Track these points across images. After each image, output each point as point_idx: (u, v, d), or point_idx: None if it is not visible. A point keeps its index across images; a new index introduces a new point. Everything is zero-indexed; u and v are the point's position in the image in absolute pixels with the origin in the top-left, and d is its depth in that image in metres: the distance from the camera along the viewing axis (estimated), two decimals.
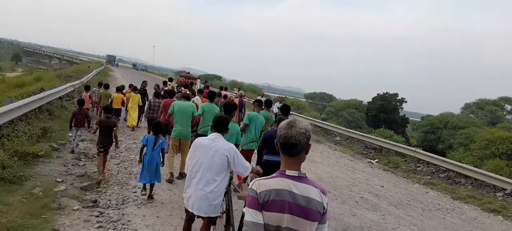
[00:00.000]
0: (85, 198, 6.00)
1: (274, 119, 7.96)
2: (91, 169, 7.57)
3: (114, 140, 7.23)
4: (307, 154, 2.02)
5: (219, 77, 71.41)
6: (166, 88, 13.19)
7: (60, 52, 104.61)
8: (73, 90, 16.05)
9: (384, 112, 46.68)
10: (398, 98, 48.07)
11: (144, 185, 6.31)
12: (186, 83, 18.46)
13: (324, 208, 1.95)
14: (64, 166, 7.50)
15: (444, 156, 16.05)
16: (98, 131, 7.21)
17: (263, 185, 1.93)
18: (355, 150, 15.59)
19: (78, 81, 18.37)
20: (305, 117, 24.03)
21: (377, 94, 49.30)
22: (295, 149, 1.94)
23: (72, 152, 8.45)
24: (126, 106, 12.12)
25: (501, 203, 9.88)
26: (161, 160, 6.34)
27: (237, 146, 5.82)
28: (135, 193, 6.49)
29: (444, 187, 11.09)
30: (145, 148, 6.26)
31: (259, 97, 15.28)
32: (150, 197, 6.24)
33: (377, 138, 16.70)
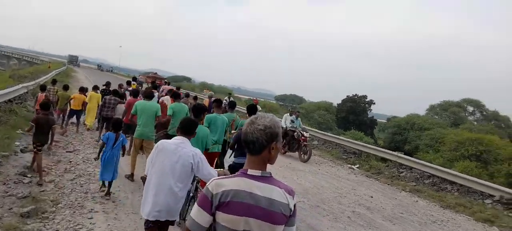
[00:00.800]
0: (25, 229, 4.69)
1: (241, 122, 7.42)
2: (39, 187, 6.21)
3: (50, 138, 6.99)
4: (271, 153, 1.81)
5: (188, 79, 69.54)
6: (129, 88, 12.06)
7: (20, 53, 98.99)
8: (26, 92, 14.25)
9: (353, 114, 46.86)
10: (367, 100, 48.39)
11: (103, 182, 6.30)
12: (154, 83, 17.21)
13: (290, 209, 1.80)
14: (4, 184, 6.09)
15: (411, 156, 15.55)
16: (34, 129, 6.56)
17: (220, 185, 1.77)
18: (334, 154, 14.76)
19: (32, 82, 16.42)
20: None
21: (347, 96, 49.53)
22: (254, 146, 1.79)
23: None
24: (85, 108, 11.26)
25: (492, 212, 9.25)
26: (122, 153, 6.44)
27: (206, 150, 5.59)
28: (90, 219, 5.22)
29: (430, 194, 10.39)
30: (105, 145, 6.17)
31: (226, 98, 14.91)
32: (108, 193, 6.17)
33: (358, 142, 15.99)
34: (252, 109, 6.63)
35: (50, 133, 6.80)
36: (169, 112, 7.27)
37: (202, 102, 9.05)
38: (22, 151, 8.07)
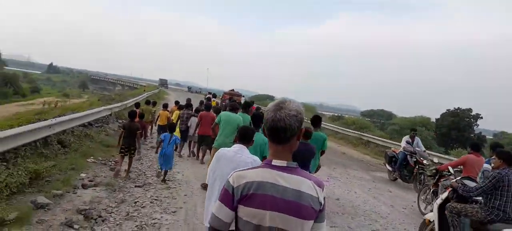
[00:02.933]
0: None
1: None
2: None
3: (137, 142, 7.72)
4: (299, 140, 1.63)
5: (272, 98, 68.23)
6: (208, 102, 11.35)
7: (123, 79, 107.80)
8: (110, 114, 13.30)
9: (456, 130, 40.63)
10: (472, 114, 41.74)
11: (162, 169, 7.51)
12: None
13: (320, 204, 1.57)
14: None
15: None
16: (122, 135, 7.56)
17: (241, 177, 1.56)
18: None
19: (118, 104, 15.65)
20: (376, 137, 19.85)
21: (447, 110, 43.38)
22: (284, 134, 1.56)
23: None
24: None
25: None
26: (175, 148, 7.84)
27: (264, 157, 4.97)
28: None
29: None
30: (162, 142, 7.58)
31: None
32: (164, 180, 7.39)
33: None
34: (315, 120, 6.60)
35: (136, 137, 7.64)
36: (216, 120, 7.06)
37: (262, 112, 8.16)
38: (83, 186, 6.44)
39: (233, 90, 32.90)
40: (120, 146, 7.44)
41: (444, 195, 5.23)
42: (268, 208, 1.51)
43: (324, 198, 1.60)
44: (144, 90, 45.50)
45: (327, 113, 51.45)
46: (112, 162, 8.43)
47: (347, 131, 22.70)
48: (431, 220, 5.30)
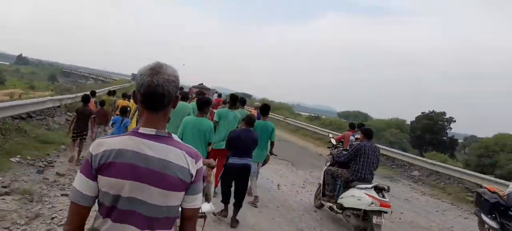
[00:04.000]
0: None
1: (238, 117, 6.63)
2: None
3: (90, 127, 7.74)
4: (174, 108, 1.50)
5: (249, 96, 66.87)
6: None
7: (95, 73, 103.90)
8: (58, 106, 11.42)
9: (430, 133, 40.53)
10: (445, 117, 41.76)
11: None
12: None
13: (191, 175, 1.44)
14: None
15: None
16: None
17: (101, 144, 1.39)
18: (451, 192, 10.22)
19: (71, 95, 13.53)
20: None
21: (421, 113, 43.26)
22: (162, 100, 1.42)
23: None
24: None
25: None
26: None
27: (209, 144, 5.31)
28: None
29: None
30: (114, 125, 7.56)
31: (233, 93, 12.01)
32: None
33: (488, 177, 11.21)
34: (264, 109, 6.84)
35: (89, 121, 7.64)
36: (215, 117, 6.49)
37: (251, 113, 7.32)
38: None
39: (202, 84, 33.00)
40: (72, 131, 7.32)
41: (328, 162, 6.81)
42: (128, 178, 1.36)
43: (197, 170, 1.48)
44: (114, 83, 43.33)
45: (304, 113, 50.49)
46: (43, 163, 6.83)
47: (324, 131, 21.57)
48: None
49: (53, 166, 6.85)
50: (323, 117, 46.97)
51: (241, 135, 5.23)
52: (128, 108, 8.47)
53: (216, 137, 6.08)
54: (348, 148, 7.76)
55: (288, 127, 24.70)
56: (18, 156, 6.76)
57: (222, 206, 5.34)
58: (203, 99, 5.43)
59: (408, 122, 43.45)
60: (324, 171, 6.54)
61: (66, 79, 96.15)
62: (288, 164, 11.33)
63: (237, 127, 6.16)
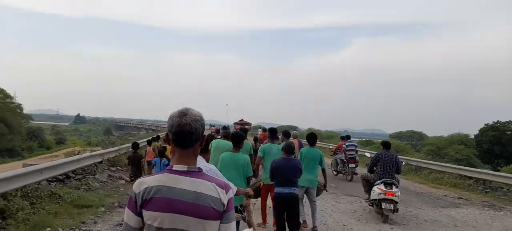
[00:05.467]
0: None
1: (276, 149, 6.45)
2: None
3: (143, 170, 8.93)
4: (201, 146, 1.68)
5: (295, 128, 65.06)
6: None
7: (146, 123, 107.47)
8: (100, 161, 10.42)
9: (499, 145, 36.19)
10: None
11: None
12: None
13: (223, 204, 1.58)
14: None
15: None
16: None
17: (142, 183, 1.58)
18: None
19: (114, 148, 12.71)
20: (428, 161, 16.40)
21: (485, 124, 39.06)
22: (191, 138, 1.59)
23: None
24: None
25: None
26: None
27: (248, 178, 5.06)
28: None
29: None
30: (154, 167, 8.21)
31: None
32: None
33: None
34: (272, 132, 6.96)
35: (141, 165, 8.91)
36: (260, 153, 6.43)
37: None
38: None
39: (242, 120, 33.97)
40: (130, 175, 8.91)
41: (332, 166, 11.57)
42: (166, 211, 1.52)
43: (229, 200, 1.61)
44: (162, 131, 43.63)
45: (354, 139, 47.66)
46: None
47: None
48: None
49: None
50: (376, 140, 43.87)
51: (282, 163, 5.26)
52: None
53: (265, 172, 6.16)
54: (343, 154, 13.21)
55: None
56: (48, 229, 5.57)
57: None
58: (236, 135, 5.30)
59: (472, 136, 39.19)
60: (361, 177, 8.59)
61: (120, 132, 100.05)
62: (360, 200, 9.44)
63: None
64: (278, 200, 5.24)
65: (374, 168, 7.74)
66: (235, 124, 33.32)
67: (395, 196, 7.17)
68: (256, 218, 4.87)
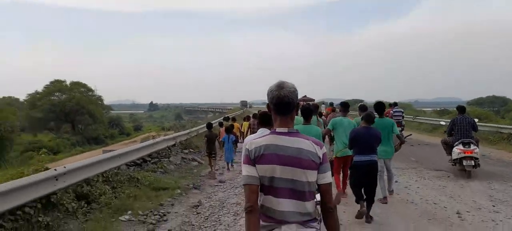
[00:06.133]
0: None
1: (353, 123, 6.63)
2: None
3: (218, 146, 9.86)
4: (297, 112, 2.13)
5: (361, 101, 62.27)
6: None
7: (213, 106, 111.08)
8: (173, 144, 10.63)
9: None
10: None
11: (227, 163, 9.62)
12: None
13: (319, 157, 1.93)
14: None
15: None
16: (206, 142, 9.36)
17: (253, 143, 1.96)
18: None
19: (185, 132, 12.85)
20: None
21: None
22: (289, 106, 1.95)
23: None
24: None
25: None
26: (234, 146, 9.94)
27: None
28: None
29: None
30: (224, 143, 9.62)
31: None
32: (228, 169, 9.54)
33: None
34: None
35: (215, 143, 9.54)
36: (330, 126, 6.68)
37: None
38: None
39: (305, 96, 33.32)
40: (206, 151, 9.43)
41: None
42: (276, 163, 1.88)
43: (323, 154, 1.94)
44: (229, 113, 44.70)
45: (427, 109, 44.10)
46: (155, 217, 5.57)
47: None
48: None
49: (165, 221, 5.54)
50: (451, 109, 40.21)
51: (362, 132, 5.34)
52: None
53: (337, 145, 6.47)
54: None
55: (421, 127, 20.95)
56: (129, 212, 5.64)
57: (357, 207, 5.31)
58: (305, 108, 5.69)
59: None
60: (441, 141, 9.41)
61: (190, 116, 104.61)
62: (448, 175, 8.43)
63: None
64: (357, 168, 5.30)
65: (452, 132, 8.50)
66: (298, 100, 33.60)
67: (474, 153, 8.04)
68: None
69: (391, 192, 6.56)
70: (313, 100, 32.87)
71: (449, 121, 9.63)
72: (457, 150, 8.12)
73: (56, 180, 5.01)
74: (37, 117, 42.45)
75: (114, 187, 6.41)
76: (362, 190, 5.27)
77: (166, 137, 10.58)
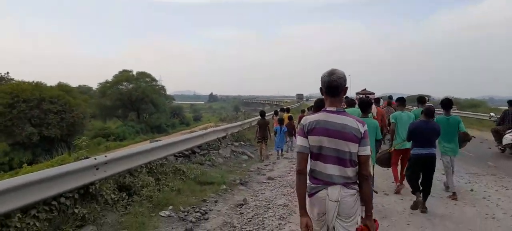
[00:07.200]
0: None
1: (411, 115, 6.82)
2: None
3: (268, 133, 10.28)
4: (344, 94, 2.40)
5: (427, 97, 58.00)
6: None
7: (270, 99, 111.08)
8: (224, 136, 10.31)
9: None
10: None
11: (277, 151, 10.25)
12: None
13: (361, 133, 2.29)
14: None
15: None
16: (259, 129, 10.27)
17: (307, 119, 2.38)
18: None
19: (237, 124, 12.65)
20: None
21: None
22: (337, 90, 2.32)
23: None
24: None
25: None
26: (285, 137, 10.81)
27: (377, 141, 5.49)
28: None
29: None
30: (276, 133, 10.38)
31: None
32: (278, 157, 10.13)
33: None
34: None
35: (267, 130, 10.18)
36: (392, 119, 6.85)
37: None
38: None
39: (365, 89, 32.00)
40: (257, 136, 10.05)
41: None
42: (324, 135, 2.28)
43: (365, 131, 2.31)
44: (285, 105, 44.14)
45: (503, 107, 39.53)
46: (196, 214, 5.19)
47: None
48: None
49: (206, 219, 5.13)
50: None
51: (421, 125, 5.40)
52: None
53: (397, 138, 6.56)
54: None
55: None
56: (170, 208, 5.31)
57: (413, 197, 5.50)
58: (364, 101, 5.65)
59: None
60: (491, 130, 11.30)
61: (247, 108, 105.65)
62: None
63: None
64: (415, 160, 5.40)
65: (503, 122, 10.42)
66: (357, 93, 31.98)
67: None
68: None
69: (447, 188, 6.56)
70: (373, 93, 31.57)
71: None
72: (509, 136, 9.92)
73: (97, 169, 4.82)
74: (107, 105, 45.34)
75: (158, 179, 6.16)
76: (419, 181, 5.42)
77: (217, 128, 10.30)
